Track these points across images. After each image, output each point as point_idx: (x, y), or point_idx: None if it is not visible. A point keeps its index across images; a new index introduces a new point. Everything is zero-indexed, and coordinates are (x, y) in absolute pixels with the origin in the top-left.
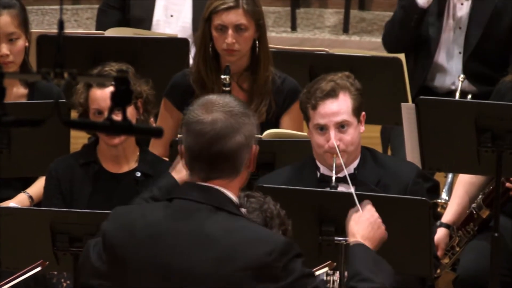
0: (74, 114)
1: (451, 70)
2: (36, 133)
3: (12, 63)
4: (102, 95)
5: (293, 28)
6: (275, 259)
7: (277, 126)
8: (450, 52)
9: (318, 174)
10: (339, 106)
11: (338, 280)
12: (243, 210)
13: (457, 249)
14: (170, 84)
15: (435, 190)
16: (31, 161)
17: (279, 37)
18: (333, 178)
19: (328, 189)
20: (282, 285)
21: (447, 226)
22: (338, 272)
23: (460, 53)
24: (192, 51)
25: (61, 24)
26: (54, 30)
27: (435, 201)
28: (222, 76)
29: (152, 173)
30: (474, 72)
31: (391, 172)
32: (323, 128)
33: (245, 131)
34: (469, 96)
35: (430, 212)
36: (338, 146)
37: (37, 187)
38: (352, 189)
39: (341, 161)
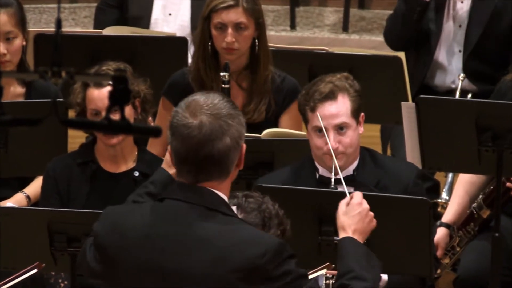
0: (71, 114)
1: (451, 69)
2: (34, 132)
3: (9, 62)
4: (100, 95)
5: (292, 26)
6: (268, 260)
7: (276, 125)
8: (450, 50)
9: (317, 175)
10: (337, 109)
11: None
12: (234, 208)
13: (458, 249)
14: (168, 82)
15: (435, 190)
16: (28, 160)
17: (278, 35)
18: (332, 180)
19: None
20: (277, 286)
21: (447, 226)
22: None
23: (460, 51)
24: (191, 49)
25: (58, 23)
26: (51, 28)
27: (435, 200)
28: (221, 74)
29: (150, 173)
30: (474, 71)
31: (391, 173)
32: (321, 130)
33: (232, 133)
34: (470, 95)
35: (430, 212)
36: (337, 148)
37: (35, 187)
38: (344, 184)
39: (337, 165)
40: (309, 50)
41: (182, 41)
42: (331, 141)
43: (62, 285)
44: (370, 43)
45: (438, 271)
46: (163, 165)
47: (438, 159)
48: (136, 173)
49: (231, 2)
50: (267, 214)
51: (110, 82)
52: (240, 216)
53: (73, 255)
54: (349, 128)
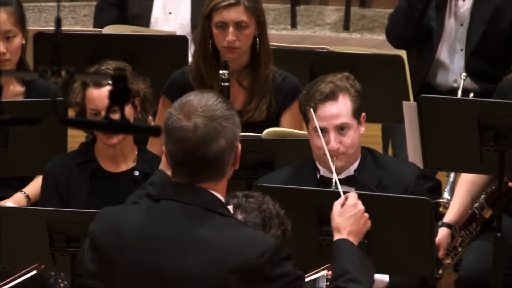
0: (71, 113)
1: (453, 67)
2: (33, 131)
3: (8, 61)
4: (99, 95)
5: (293, 25)
6: (267, 261)
7: (277, 124)
8: (452, 49)
9: (318, 175)
10: (338, 109)
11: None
12: (230, 207)
13: (460, 249)
14: (168, 81)
15: (437, 190)
16: (28, 160)
17: (279, 34)
18: (333, 180)
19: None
20: (275, 287)
21: (449, 226)
22: None
23: (462, 50)
24: (191, 48)
25: (58, 22)
26: (51, 27)
27: (437, 200)
28: (221, 72)
29: (150, 172)
30: (476, 70)
31: (392, 173)
32: (322, 131)
33: (227, 134)
34: (471, 94)
35: (432, 212)
36: (338, 149)
37: (34, 187)
38: (339, 184)
39: (332, 166)
40: (310, 49)
41: (182, 40)
42: (332, 141)
43: (62, 285)
44: (371, 42)
45: (440, 271)
46: (161, 166)
47: (440, 158)
48: (136, 173)
49: (232, 1)
50: (267, 214)
51: (110, 82)
52: (240, 216)
53: (73, 255)
54: (350, 128)
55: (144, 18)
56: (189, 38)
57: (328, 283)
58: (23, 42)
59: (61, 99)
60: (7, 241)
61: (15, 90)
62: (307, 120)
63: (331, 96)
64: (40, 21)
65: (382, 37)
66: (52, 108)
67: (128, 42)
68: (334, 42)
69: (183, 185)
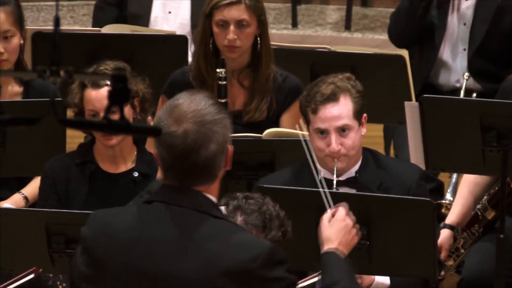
0: (70, 113)
1: (456, 67)
2: (32, 132)
3: (6, 61)
4: (97, 96)
5: (294, 25)
6: (260, 265)
7: (277, 124)
8: (455, 49)
9: (319, 177)
10: (339, 110)
11: None
12: (222, 208)
13: (462, 251)
14: (168, 81)
15: (439, 191)
16: (26, 160)
17: (280, 34)
18: (334, 182)
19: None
20: None
21: (451, 227)
22: None
23: (464, 49)
24: (191, 48)
25: (57, 21)
26: (49, 26)
27: (439, 202)
28: (218, 70)
29: (150, 173)
30: (479, 69)
31: (393, 175)
32: (323, 132)
33: (217, 139)
34: (474, 95)
35: (434, 213)
36: (339, 150)
37: (32, 187)
38: (328, 195)
39: (316, 173)
40: (311, 49)
41: (182, 39)
42: (333, 143)
43: (60, 287)
44: (373, 41)
45: (442, 273)
46: (158, 175)
47: (442, 159)
48: (136, 174)
49: None
50: (267, 216)
51: (108, 82)
52: (240, 217)
53: (71, 257)
54: (351, 130)
55: (143, 18)
56: (189, 37)
57: None
58: (21, 41)
59: (59, 99)
60: (5, 243)
61: (13, 90)
62: (308, 121)
63: (332, 98)
64: (38, 21)
65: (384, 36)
66: (51, 108)
67: (127, 42)
68: (335, 42)
69: (174, 188)
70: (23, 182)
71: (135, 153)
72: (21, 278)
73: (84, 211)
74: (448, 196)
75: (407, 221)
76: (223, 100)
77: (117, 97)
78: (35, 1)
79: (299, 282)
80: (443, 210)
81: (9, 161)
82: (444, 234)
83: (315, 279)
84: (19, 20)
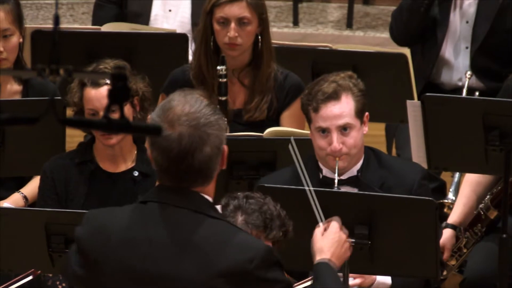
0: (69, 112)
1: (458, 66)
2: (31, 131)
3: (5, 60)
4: (96, 95)
5: (295, 23)
6: (257, 266)
7: (278, 123)
8: (457, 47)
9: (321, 176)
10: (341, 109)
11: None
12: (218, 207)
13: (464, 250)
14: (168, 79)
15: (441, 190)
16: (25, 160)
17: (281, 32)
18: (336, 181)
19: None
20: None
21: (453, 227)
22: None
23: (467, 48)
24: (192, 46)
25: (56, 19)
26: (49, 25)
27: (441, 201)
28: (218, 67)
29: (150, 172)
30: (482, 68)
31: (396, 174)
32: (325, 131)
33: (212, 141)
34: (477, 93)
35: (437, 212)
36: (340, 149)
37: (32, 187)
38: (319, 210)
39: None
40: (312, 47)
41: (182, 38)
42: (334, 142)
43: (60, 287)
44: (374, 40)
45: (444, 273)
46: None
47: (444, 158)
48: (136, 173)
49: None
50: (268, 216)
51: (108, 81)
52: (241, 217)
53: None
54: (353, 128)
55: (143, 16)
56: (189, 36)
57: None
58: (21, 40)
59: (59, 98)
60: (4, 243)
61: (12, 89)
62: (309, 120)
63: (334, 96)
64: (38, 19)
65: (386, 35)
66: (50, 107)
67: (127, 40)
68: (336, 40)
69: (170, 188)
70: (23, 181)
71: (135, 152)
72: (20, 280)
73: (84, 211)
74: (450, 195)
75: (409, 220)
76: (223, 98)
77: (117, 96)
78: None
79: (295, 285)
80: (445, 210)
81: (8, 160)
82: (447, 234)
83: (309, 282)
84: (18, 18)
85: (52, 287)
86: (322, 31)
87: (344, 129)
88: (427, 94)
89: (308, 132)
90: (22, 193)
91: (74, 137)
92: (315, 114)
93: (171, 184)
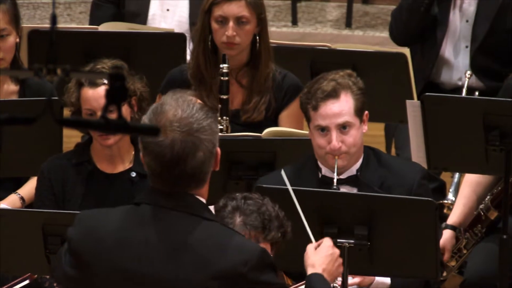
0: (67, 112)
1: (458, 65)
2: (28, 131)
3: (2, 60)
4: (94, 95)
5: (294, 22)
6: (250, 269)
7: (276, 124)
8: (457, 47)
9: (320, 175)
10: (340, 107)
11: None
12: (211, 207)
13: (464, 251)
14: (166, 79)
15: (441, 191)
16: (22, 160)
17: (279, 31)
18: (335, 180)
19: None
20: None
21: (453, 227)
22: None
23: (467, 47)
24: (190, 46)
25: (53, 19)
26: (46, 24)
27: (441, 202)
28: (221, 65)
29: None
30: (482, 67)
31: (395, 174)
32: (324, 129)
33: (205, 146)
34: (477, 93)
35: (436, 213)
36: (340, 148)
37: (29, 188)
38: (309, 231)
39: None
40: (311, 47)
41: (180, 37)
42: (333, 140)
43: None
44: (374, 39)
45: (444, 273)
46: None
47: (444, 158)
48: (133, 174)
49: None
50: (267, 217)
51: (105, 81)
52: (239, 218)
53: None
54: (352, 127)
55: (141, 15)
56: (187, 35)
57: None
58: (17, 40)
59: (56, 98)
60: (1, 244)
61: (9, 89)
62: (308, 118)
63: (333, 94)
64: (35, 18)
65: (385, 34)
66: (47, 108)
67: (124, 40)
68: (335, 40)
69: (164, 190)
70: (20, 182)
71: (133, 153)
72: (16, 284)
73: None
74: (450, 196)
75: (409, 221)
76: (224, 97)
77: (115, 96)
78: None
79: None
80: (445, 211)
81: (5, 161)
82: (446, 235)
83: (303, 287)
84: (15, 18)
85: None
86: (321, 31)
87: (343, 127)
88: (427, 94)
89: (307, 132)
90: (19, 194)
91: (71, 138)
92: (314, 113)
93: (164, 188)
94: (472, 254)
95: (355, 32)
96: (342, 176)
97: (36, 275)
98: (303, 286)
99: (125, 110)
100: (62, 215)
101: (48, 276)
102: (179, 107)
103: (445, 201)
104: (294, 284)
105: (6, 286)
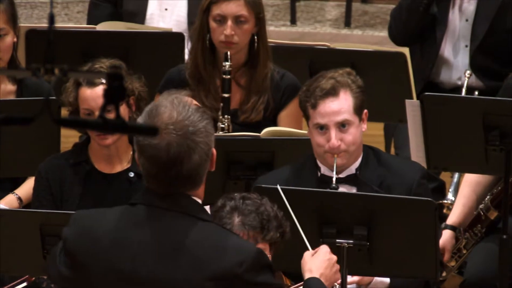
0: (64, 112)
1: (457, 65)
2: (25, 131)
3: None
4: (92, 94)
5: (293, 21)
6: (246, 270)
7: (275, 124)
8: (457, 46)
9: (319, 174)
10: (339, 105)
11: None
12: (206, 207)
13: (464, 251)
14: (164, 79)
15: (440, 191)
16: (20, 160)
17: (278, 31)
18: (334, 179)
19: (328, 190)
20: None
21: (452, 228)
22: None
23: (466, 46)
24: (188, 45)
25: (51, 18)
26: (43, 24)
27: (440, 202)
28: (224, 63)
29: None
30: (481, 66)
31: (395, 173)
32: (323, 128)
33: (200, 149)
34: (476, 93)
35: (436, 213)
36: (339, 146)
37: (26, 188)
38: (306, 241)
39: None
40: (310, 46)
41: (178, 37)
42: (333, 139)
43: None
44: (373, 38)
45: (444, 274)
46: None
47: (443, 158)
48: (131, 174)
49: None
50: (265, 217)
51: (103, 81)
52: (237, 218)
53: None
54: (351, 125)
55: (139, 15)
56: (186, 35)
57: None
58: (15, 39)
59: (54, 98)
60: None
61: (6, 88)
62: (307, 116)
63: (332, 92)
64: (32, 18)
65: (384, 33)
66: (45, 107)
67: (122, 39)
68: (334, 39)
69: (160, 191)
70: (17, 182)
71: (131, 153)
72: (14, 286)
73: None
74: (450, 196)
75: (408, 221)
76: (226, 95)
77: (113, 96)
78: None
79: None
80: (444, 211)
81: (3, 161)
82: (446, 235)
83: None
84: (12, 17)
85: None
86: (320, 30)
87: (342, 125)
88: (426, 93)
89: (306, 132)
90: (16, 194)
91: (69, 138)
92: (313, 111)
93: (160, 190)
94: (472, 254)
95: (354, 31)
96: (341, 175)
97: (33, 278)
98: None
99: (123, 109)
100: (60, 215)
101: (46, 277)
102: (175, 109)
103: (445, 201)
104: (293, 284)
105: (3, 287)
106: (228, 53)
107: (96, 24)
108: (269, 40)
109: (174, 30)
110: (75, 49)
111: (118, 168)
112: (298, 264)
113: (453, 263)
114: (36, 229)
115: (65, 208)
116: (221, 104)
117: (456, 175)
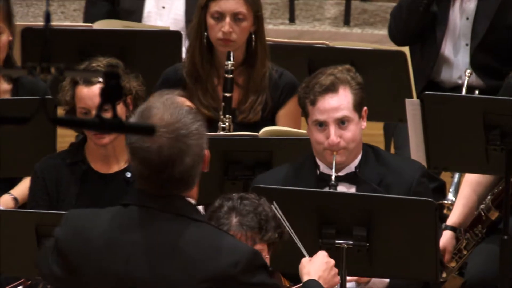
0: (61, 111)
1: (458, 63)
2: (21, 131)
3: None
4: (89, 93)
5: (291, 20)
6: (241, 271)
7: (273, 123)
8: (457, 45)
9: (318, 172)
10: (339, 102)
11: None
12: (200, 208)
13: (465, 252)
14: (161, 78)
15: (441, 191)
16: (15, 160)
17: (277, 29)
18: (333, 177)
19: (327, 188)
20: None
21: (452, 228)
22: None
23: (467, 45)
24: (185, 44)
25: (47, 16)
26: (39, 22)
27: (441, 202)
28: (226, 62)
29: None
30: (482, 65)
31: (394, 171)
32: (322, 124)
33: (193, 151)
34: (477, 92)
35: (436, 213)
36: (338, 143)
37: (22, 188)
38: (303, 248)
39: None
40: (308, 45)
41: (176, 35)
42: (332, 135)
43: None
44: (372, 37)
45: (444, 275)
46: None
47: (444, 158)
48: (128, 174)
49: None
50: (263, 217)
51: (100, 80)
52: (235, 219)
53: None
54: (351, 122)
55: (136, 13)
56: (183, 33)
57: None
58: (10, 38)
59: (50, 97)
60: None
61: (1, 87)
62: (306, 114)
63: (331, 88)
64: (28, 16)
65: (384, 32)
66: (41, 107)
67: (120, 38)
68: (334, 37)
69: (152, 193)
70: (13, 182)
71: None
72: None
73: None
74: (450, 196)
75: (408, 221)
76: (228, 94)
77: (110, 95)
78: None
79: None
80: (445, 211)
81: None
82: (446, 236)
83: None
84: (7, 16)
85: None
86: (319, 28)
87: (342, 122)
88: (427, 92)
89: (304, 131)
90: (12, 194)
91: (65, 137)
92: (312, 107)
93: (152, 191)
94: (473, 255)
95: (354, 29)
96: (341, 173)
97: (30, 281)
98: None
99: (120, 109)
100: (56, 215)
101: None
102: (167, 110)
103: (445, 201)
104: (292, 285)
105: None
106: (231, 52)
107: (92, 23)
108: (268, 38)
109: (172, 28)
110: (71, 47)
111: (115, 168)
112: (297, 266)
113: (453, 264)
114: (31, 229)
115: (61, 207)
116: (223, 104)
117: (457, 175)
